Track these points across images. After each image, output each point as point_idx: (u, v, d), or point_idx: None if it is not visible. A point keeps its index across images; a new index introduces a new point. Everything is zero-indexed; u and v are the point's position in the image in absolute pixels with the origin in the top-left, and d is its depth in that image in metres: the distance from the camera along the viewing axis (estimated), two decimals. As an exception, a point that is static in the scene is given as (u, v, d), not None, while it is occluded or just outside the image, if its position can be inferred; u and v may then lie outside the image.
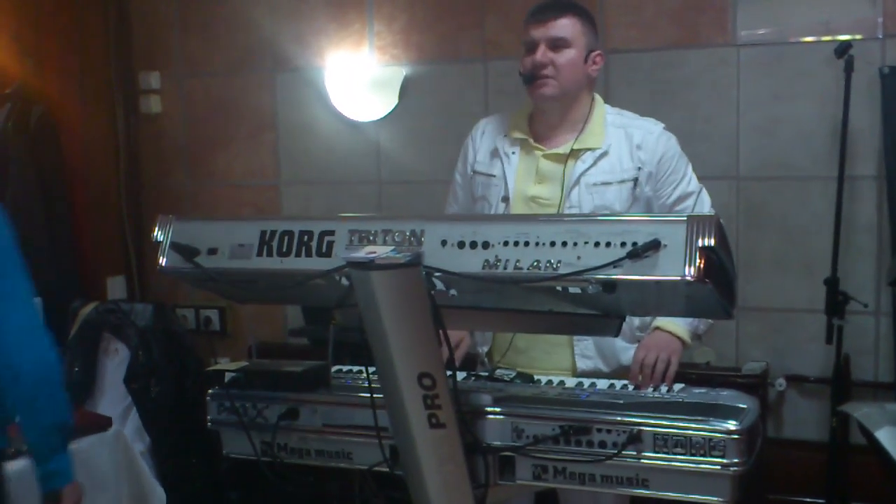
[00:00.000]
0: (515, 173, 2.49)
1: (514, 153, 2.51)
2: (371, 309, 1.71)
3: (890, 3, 3.45)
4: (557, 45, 2.41)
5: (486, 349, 2.57)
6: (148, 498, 3.02)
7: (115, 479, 2.94)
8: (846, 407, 3.34)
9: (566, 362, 2.47)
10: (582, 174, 2.43)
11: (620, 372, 2.46)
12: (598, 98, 2.55)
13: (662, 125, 2.51)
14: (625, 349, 2.48)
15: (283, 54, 4.31)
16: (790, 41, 3.60)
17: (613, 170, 2.43)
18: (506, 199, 2.47)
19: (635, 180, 2.43)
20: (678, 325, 2.41)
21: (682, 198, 2.49)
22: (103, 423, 2.96)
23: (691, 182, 2.51)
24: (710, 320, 2.49)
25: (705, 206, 2.51)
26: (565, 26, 2.42)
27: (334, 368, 2.21)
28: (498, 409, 1.89)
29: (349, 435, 2.01)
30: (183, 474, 3.62)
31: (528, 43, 2.44)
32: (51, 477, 2.26)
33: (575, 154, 2.45)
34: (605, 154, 2.45)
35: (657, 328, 2.42)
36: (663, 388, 2.01)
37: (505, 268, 1.67)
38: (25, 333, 2.17)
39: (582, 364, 2.45)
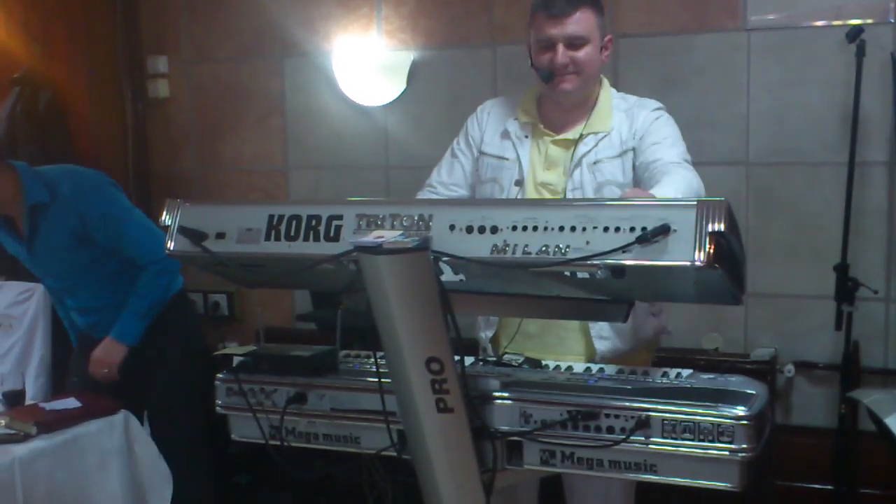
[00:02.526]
0: (529, 157, 2.48)
1: (526, 136, 2.50)
2: (379, 293, 1.71)
3: (902, -13, 3.42)
4: (576, 42, 2.37)
5: (489, 334, 2.56)
6: (157, 480, 3.03)
7: (125, 462, 2.96)
8: (855, 393, 3.33)
9: (579, 347, 2.46)
10: (584, 155, 2.42)
11: (640, 347, 2.48)
12: (605, 81, 2.53)
13: (661, 105, 2.49)
14: (641, 325, 2.47)
15: (291, 39, 4.30)
16: (801, 26, 3.58)
17: (613, 145, 2.42)
18: (519, 183, 2.46)
19: (634, 150, 2.41)
20: None
21: (660, 163, 2.28)
22: (111, 407, 2.97)
23: (676, 154, 2.34)
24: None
25: (693, 185, 2.21)
26: (581, 21, 2.36)
27: (342, 353, 2.21)
28: (506, 394, 1.89)
29: (357, 419, 2.01)
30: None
31: (543, 40, 2.39)
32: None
33: (582, 138, 2.44)
34: (606, 135, 2.44)
35: None
36: (672, 374, 2.00)
37: (513, 252, 1.66)
38: None
39: (600, 345, 2.44)
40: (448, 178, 2.60)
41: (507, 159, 2.50)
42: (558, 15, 2.36)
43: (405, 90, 4.12)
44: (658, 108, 2.46)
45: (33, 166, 3.06)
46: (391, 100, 4.15)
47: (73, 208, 2.96)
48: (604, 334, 2.44)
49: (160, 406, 3.18)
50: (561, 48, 2.37)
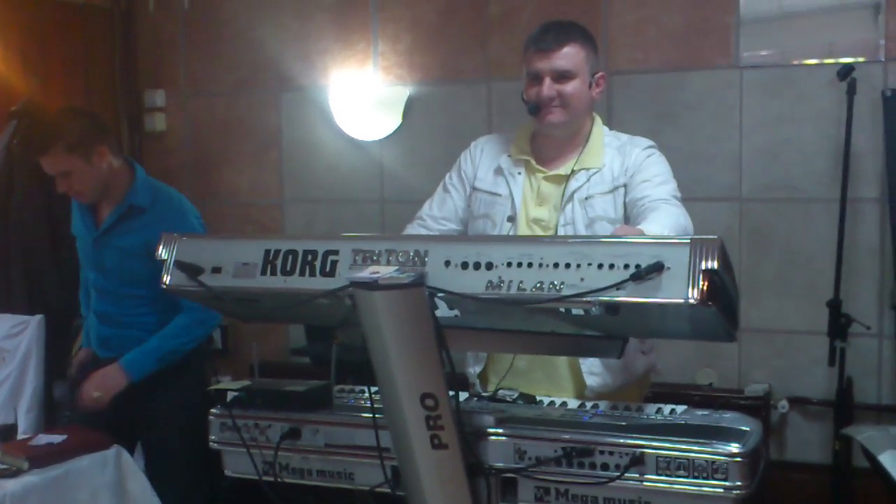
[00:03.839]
0: (522, 193, 2.49)
1: (519, 173, 2.51)
2: (374, 329, 1.71)
3: (892, 26, 3.47)
4: (562, 76, 2.40)
5: (477, 370, 2.55)
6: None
7: (116, 498, 2.93)
8: (849, 430, 3.33)
9: (568, 383, 2.46)
10: (575, 191, 2.44)
11: (630, 383, 2.47)
12: (598, 118, 2.55)
13: (653, 143, 2.51)
14: (632, 362, 2.47)
15: (287, 73, 4.33)
16: (793, 64, 3.62)
17: (604, 181, 2.44)
18: (512, 219, 2.47)
19: (625, 186, 2.43)
20: None
21: (648, 200, 2.30)
22: (104, 442, 2.95)
23: (665, 192, 2.34)
24: None
25: (679, 221, 2.21)
26: (569, 56, 2.40)
27: (337, 388, 2.21)
28: (500, 431, 1.89)
29: (351, 455, 2.00)
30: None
31: (531, 74, 2.43)
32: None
33: (573, 174, 2.46)
34: (598, 171, 2.46)
35: None
36: (666, 410, 2.00)
37: (508, 289, 1.67)
38: None
39: (590, 381, 2.43)
40: (438, 213, 2.61)
41: (499, 195, 2.51)
42: (546, 49, 2.40)
43: (401, 125, 4.15)
44: (650, 147, 2.49)
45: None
46: (387, 134, 4.18)
47: (161, 223, 2.94)
48: (594, 370, 2.44)
49: (157, 442, 3.15)
50: (548, 81, 2.40)
